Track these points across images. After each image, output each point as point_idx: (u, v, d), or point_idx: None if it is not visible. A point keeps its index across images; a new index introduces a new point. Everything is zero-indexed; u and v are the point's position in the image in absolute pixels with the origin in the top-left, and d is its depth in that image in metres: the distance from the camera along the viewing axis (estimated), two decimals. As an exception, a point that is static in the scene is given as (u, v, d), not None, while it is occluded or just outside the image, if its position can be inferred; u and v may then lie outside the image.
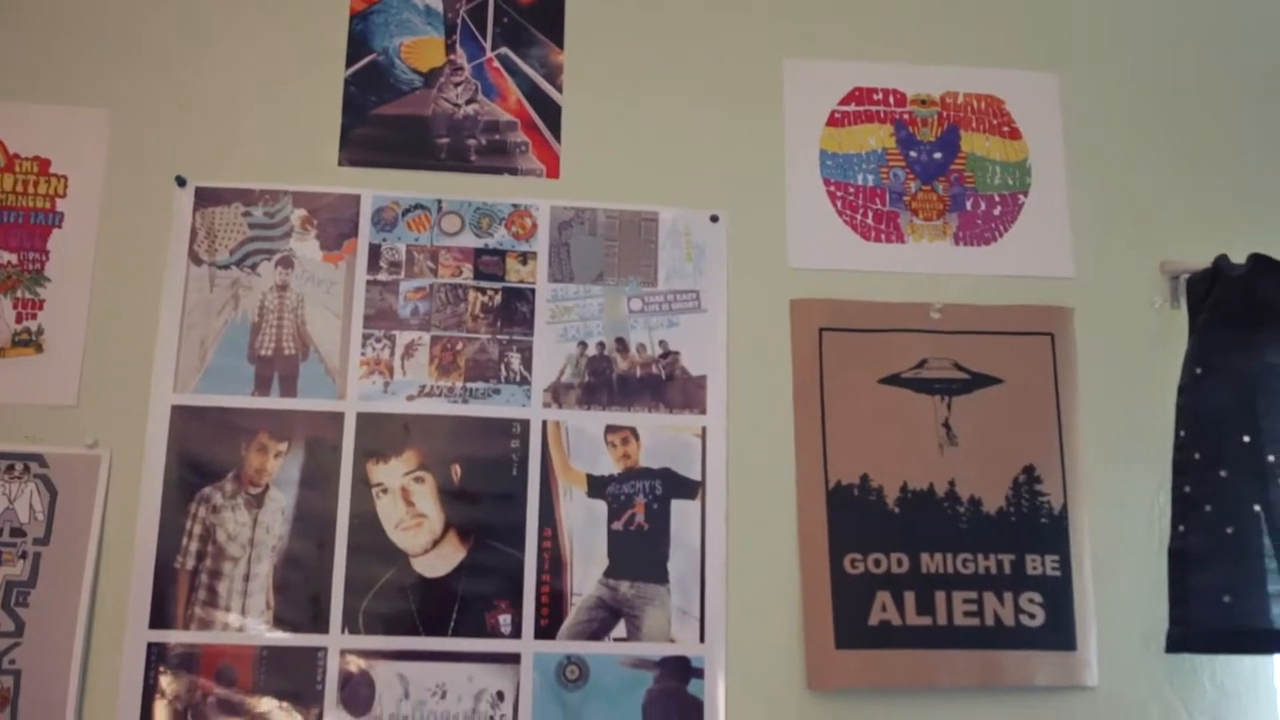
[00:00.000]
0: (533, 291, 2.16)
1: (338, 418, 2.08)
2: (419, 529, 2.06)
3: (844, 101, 2.31)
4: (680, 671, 2.05)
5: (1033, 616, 2.10)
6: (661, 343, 2.16)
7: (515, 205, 2.20)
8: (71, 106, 2.18)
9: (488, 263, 2.17)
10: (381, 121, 2.22)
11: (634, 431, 2.12)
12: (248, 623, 2.00)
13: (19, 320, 2.08)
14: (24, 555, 1.99)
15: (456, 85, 2.24)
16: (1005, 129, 2.33)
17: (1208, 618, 2.06)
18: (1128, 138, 2.35)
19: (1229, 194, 2.35)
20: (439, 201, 2.19)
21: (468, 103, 2.24)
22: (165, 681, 1.97)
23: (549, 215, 2.20)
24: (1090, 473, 2.18)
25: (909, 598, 2.09)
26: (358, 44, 2.24)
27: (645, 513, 2.10)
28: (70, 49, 2.20)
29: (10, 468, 2.02)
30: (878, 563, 2.10)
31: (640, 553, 2.08)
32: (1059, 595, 2.12)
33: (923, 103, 2.33)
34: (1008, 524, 2.14)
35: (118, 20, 2.22)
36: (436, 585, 2.04)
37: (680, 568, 2.08)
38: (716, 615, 2.07)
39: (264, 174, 2.17)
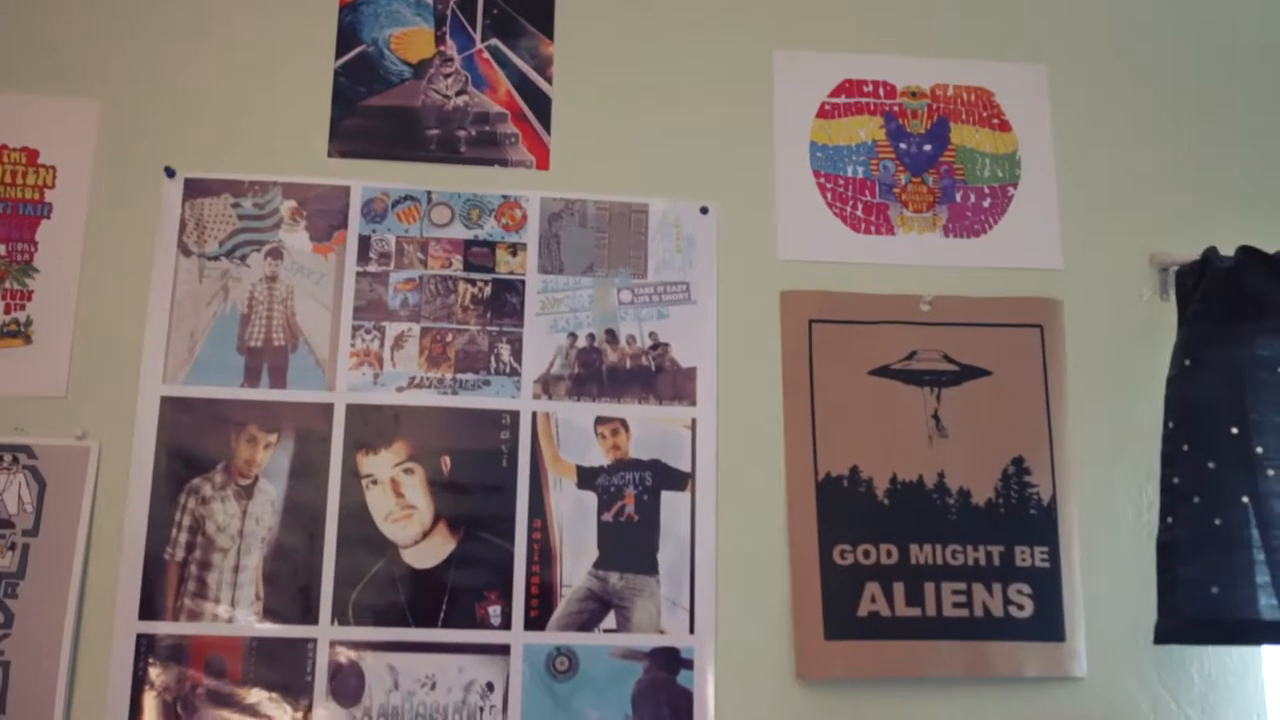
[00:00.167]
0: (523, 283, 2.16)
1: (327, 409, 2.08)
2: (409, 520, 2.06)
3: (834, 93, 2.31)
4: (670, 662, 2.05)
5: (1021, 608, 2.11)
6: (651, 334, 2.16)
7: (505, 197, 2.20)
8: (60, 97, 2.17)
9: (478, 254, 2.17)
10: (371, 113, 2.22)
11: (624, 423, 2.13)
12: (237, 614, 2.00)
13: (7, 311, 2.08)
14: (13, 546, 1.98)
15: (446, 77, 2.24)
16: (995, 121, 2.33)
17: (1196, 609, 2.07)
18: (1117, 130, 2.36)
19: (1218, 186, 2.35)
20: (429, 193, 2.18)
21: (458, 94, 2.24)
22: (154, 672, 1.97)
23: (539, 207, 2.20)
24: (1079, 464, 2.19)
25: (898, 589, 2.09)
26: (347, 35, 2.24)
27: (635, 504, 2.10)
28: (59, 39, 2.19)
29: (-1, 459, 2.02)
30: (867, 554, 2.10)
31: (630, 544, 2.08)
32: (1047, 586, 2.12)
33: (913, 95, 2.33)
34: (997, 515, 2.14)
35: (107, 11, 2.21)
36: (426, 576, 2.04)
37: (670, 559, 2.08)
38: (706, 606, 2.07)
39: (253, 165, 2.17)
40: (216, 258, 2.13)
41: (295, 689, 1.98)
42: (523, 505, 2.07)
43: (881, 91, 2.33)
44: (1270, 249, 2.21)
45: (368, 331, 2.12)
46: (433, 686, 2.00)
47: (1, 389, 2.05)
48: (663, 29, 2.31)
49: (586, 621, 2.05)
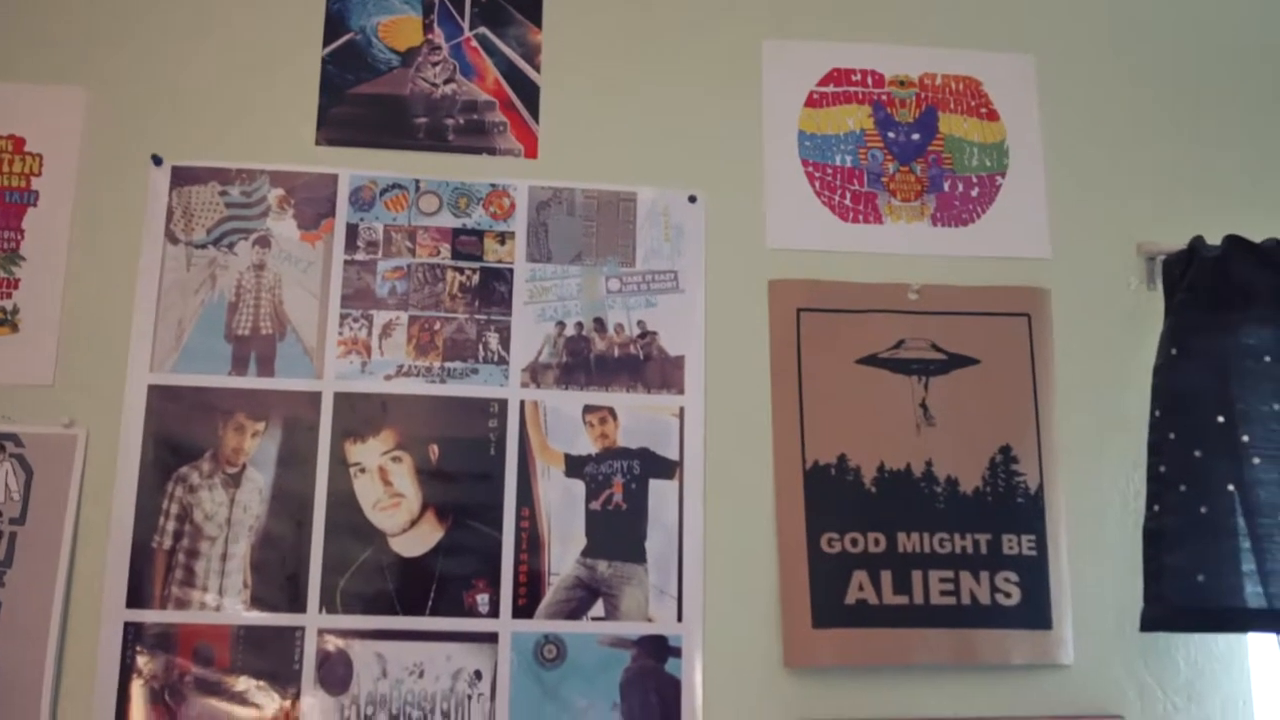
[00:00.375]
0: (511, 271, 2.16)
1: (315, 397, 2.08)
2: (397, 508, 2.06)
3: (822, 82, 2.31)
4: (658, 650, 2.05)
5: (1009, 595, 2.11)
6: (639, 323, 2.16)
7: (493, 185, 2.19)
8: (47, 85, 2.17)
9: (466, 242, 2.17)
10: (359, 101, 2.21)
11: (612, 411, 2.13)
12: (225, 602, 2.00)
13: (-6, 299, 2.08)
14: (0, 535, 1.98)
15: (434, 65, 2.24)
16: (983, 110, 2.33)
17: (1182, 596, 2.07)
18: (1105, 119, 2.36)
19: (1205, 176, 2.36)
20: (417, 181, 2.18)
21: (445, 82, 2.23)
22: (142, 661, 1.97)
23: (527, 195, 2.19)
24: (1066, 453, 2.20)
25: (886, 577, 2.10)
26: (335, 23, 2.24)
27: (623, 492, 2.10)
28: (45, 27, 2.19)
29: (-15, 447, 2.02)
30: (855, 542, 2.11)
31: (618, 532, 2.09)
32: (1035, 574, 2.13)
33: (901, 84, 2.33)
34: (984, 504, 2.15)
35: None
36: (414, 565, 2.04)
37: (658, 547, 2.09)
38: (694, 594, 2.08)
39: (241, 153, 2.17)
40: (204, 246, 2.12)
41: (283, 677, 1.98)
42: (511, 493, 2.07)
43: (870, 81, 2.33)
44: (1257, 238, 2.22)
45: (355, 320, 2.12)
46: (420, 675, 2.00)
47: (-12, 377, 2.05)
48: (651, 18, 2.30)
49: (574, 610, 2.05)
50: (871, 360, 2.19)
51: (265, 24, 2.23)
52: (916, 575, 2.10)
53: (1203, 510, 2.10)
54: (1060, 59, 2.38)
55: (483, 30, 2.26)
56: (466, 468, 2.08)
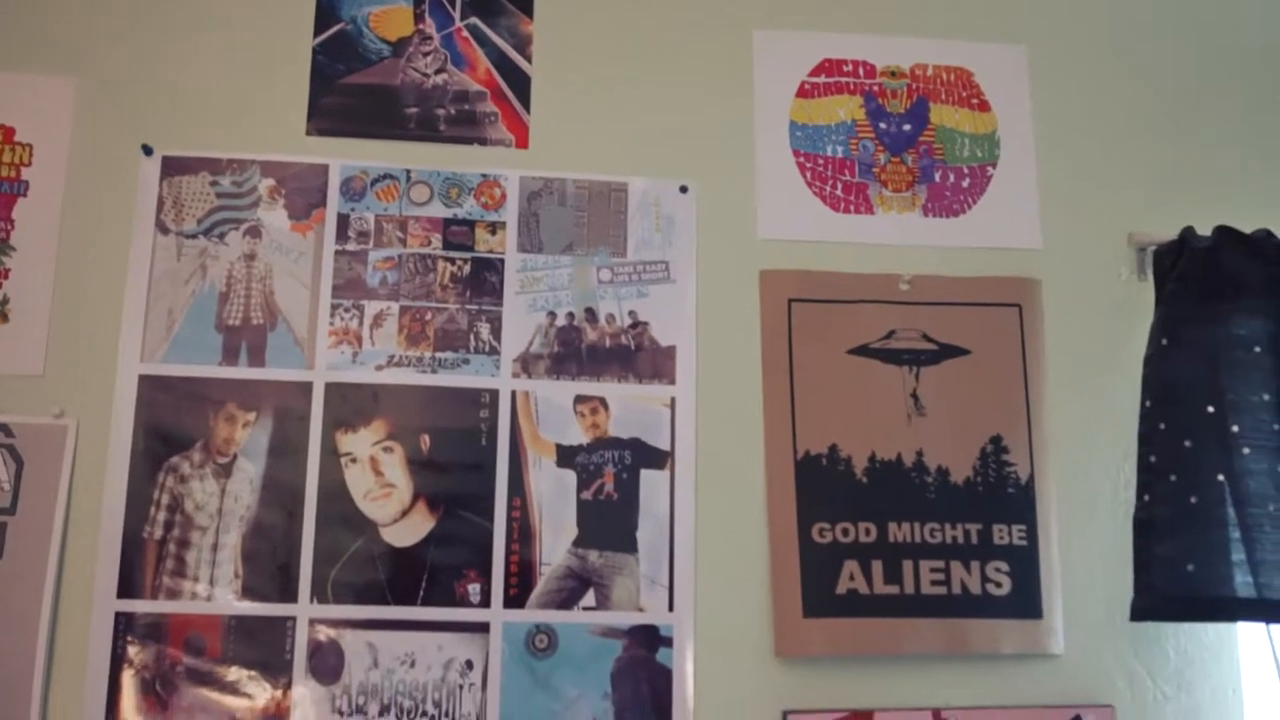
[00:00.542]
0: (502, 262, 2.16)
1: (306, 387, 2.08)
2: (388, 499, 2.06)
3: (814, 73, 2.31)
4: (649, 640, 2.05)
5: (999, 585, 2.12)
6: (631, 313, 2.16)
7: (484, 175, 2.19)
8: (37, 75, 2.16)
9: (457, 233, 2.17)
10: (350, 91, 2.21)
11: (603, 401, 2.13)
12: (216, 592, 2.00)
13: (-16, 289, 2.07)
14: (-10, 525, 1.98)
15: (425, 55, 2.24)
16: (974, 101, 2.33)
17: (1172, 586, 2.08)
18: (1096, 110, 2.36)
19: (1196, 166, 2.36)
20: (408, 171, 2.18)
21: (437, 72, 2.23)
22: (133, 651, 1.97)
23: (518, 185, 2.19)
24: (1057, 443, 2.20)
25: (876, 567, 2.10)
26: (325, 13, 2.23)
27: (614, 482, 2.10)
28: (36, 16, 2.18)
29: (-24, 437, 2.02)
30: (846, 532, 2.11)
31: (609, 522, 2.09)
32: (1025, 564, 2.13)
33: (892, 74, 2.33)
34: (975, 494, 2.15)
35: (84, -12, 2.21)
36: (405, 555, 2.04)
37: (649, 537, 2.09)
38: (685, 584, 2.08)
39: (231, 143, 2.16)
40: (194, 236, 2.12)
41: (274, 667, 1.98)
42: (502, 483, 2.07)
43: (861, 71, 2.33)
44: (1247, 229, 2.22)
45: (346, 310, 2.11)
46: (412, 664, 2.01)
47: (-22, 367, 2.05)
48: (643, 8, 2.30)
49: (566, 599, 2.05)
50: (863, 350, 2.19)
51: (256, 14, 2.22)
52: (907, 565, 2.11)
53: (1193, 500, 2.10)
54: (1051, 50, 2.38)
55: (474, 20, 2.26)
56: (458, 458, 2.08)
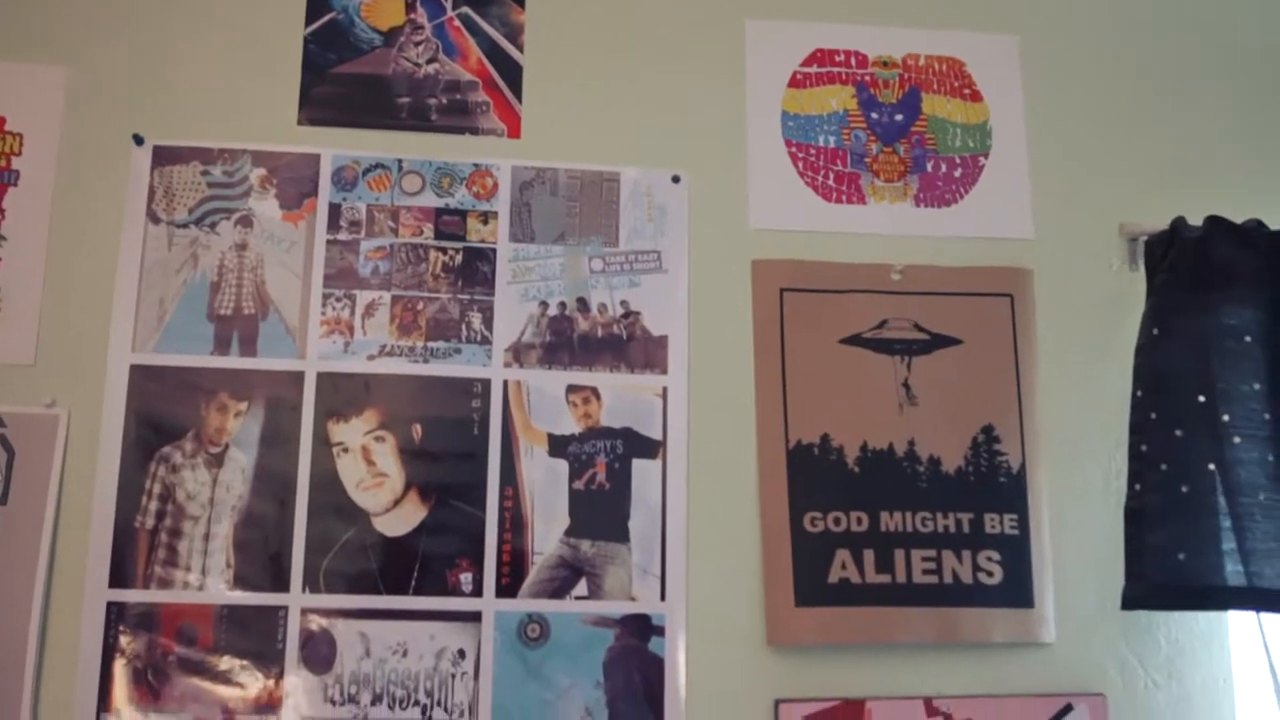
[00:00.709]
0: (494, 251, 2.16)
1: (298, 377, 2.08)
2: (380, 488, 2.06)
3: (806, 63, 2.31)
4: (641, 629, 2.06)
5: (991, 574, 2.12)
6: (623, 303, 2.17)
7: (476, 165, 2.19)
8: (28, 64, 2.15)
9: (448, 222, 2.16)
10: (341, 80, 2.21)
11: (595, 391, 2.13)
12: (208, 582, 2.00)
13: (-25, 279, 2.07)
14: (-19, 515, 1.98)
15: (417, 44, 2.23)
16: (966, 91, 2.33)
17: (1163, 575, 2.08)
18: (1087, 100, 2.37)
19: (1187, 156, 2.36)
20: (399, 161, 2.18)
21: (428, 62, 2.23)
22: (125, 640, 1.97)
23: (510, 175, 2.19)
24: (1048, 432, 2.20)
25: (868, 556, 2.10)
26: (317, 2, 2.23)
27: (606, 472, 2.10)
28: (27, 6, 2.17)
29: (-33, 427, 2.01)
30: (837, 521, 2.11)
31: (601, 512, 2.09)
32: (1017, 553, 2.14)
33: (884, 64, 2.33)
34: (966, 483, 2.16)
35: (74, -23, 2.20)
36: (397, 544, 2.04)
37: (641, 526, 2.09)
38: (677, 573, 2.08)
39: (222, 133, 2.16)
40: (186, 225, 2.12)
41: (266, 656, 1.98)
42: (494, 473, 2.07)
43: (853, 61, 2.33)
44: (1238, 219, 2.22)
45: (338, 299, 2.11)
46: (404, 654, 2.01)
47: (-31, 357, 2.05)
48: (635, -2, 2.31)
49: (558, 589, 2.06)
50: (854, 340, 2.19)
51: (248, 4, 2.22)
52: (899, 554, 2.11)
53: (1184, 489, 2.10)
54: (1043, 40, 2.38)
55: (465, 10, 2.25)
56: (450, 447, 2.08)
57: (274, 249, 2.12)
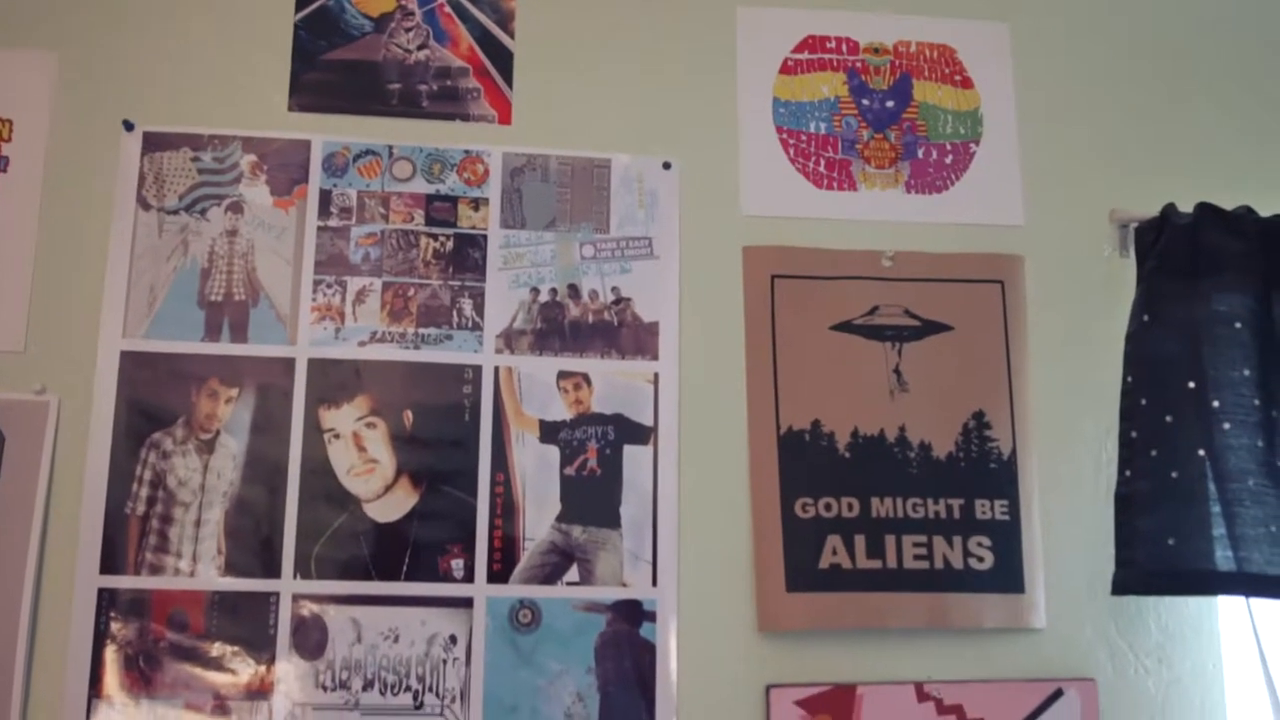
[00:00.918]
0: (485, 238, 2.16)
1: (289, 363, 2.08)
2: (371, 474, 2.06)
3: (797, 49, 2.31)
4: (632, 615, 2.06)
5: (981, 560, 2.13)
6: (614, 289, 2.17)
7: (467, 151, 2.19)
8: (17, 50, 2.15)
9: (440, 209, 2.16)
10: (332, 67, 2.20)
11: (586, 377, 2.13)
12: (199, 568, 2.00)
13: (-35, 266, 2.06)
14: (-28, 502, 1.98)
15: (407, 31, 2.23)
16: (957, 78, 2.34)
17: (1152, 560, 2.09)
18: (1078, 87, 2.37)
19: (1177, 143, 2.37)
20: (390, 147, 2.17)
21: (419, 48, 2.23)
22: (116, 627, 1.97)
23: (501, 162, 2.19)
24: (1039, 418, 2.21)
25: (859, 541, 2.11)
26: (307, -12, 2.23)
27: (598, 458, 2.11)
28: (15, -8, 2.17)
29: (-43, 413, 2.01)
30: (829, 507, 2.12)
31: (593, 498, 2.09)
32: (1007, 539, 2.14)
33: (875, 51, 2.33)
34: (957, 469, 2.16)
35: (64, -36, 2.19)
36: (389, 530, 2.04)
37: (632, 512, 2.09)
38: (669, 559, 2.08)
39: (213, 119, 2.15)
40: (176, 212, 2.11)
41: (258, 642, 1.98)
42: (485, 459, 2.08)
43: (844, 48, 2.33)
44: (1228, 205, 2.23)
45: (329, 286, 2.11)
46: (395, 639, 2.01)
47: (-41, 344, 2.04)
48: (626, -16, 2.30)
49: (549, 574, 2.06)
50: (845, 326, 2.20)
51: (237, -11, 2.22)
52: (890, 540, 2.11)
53: (1174, 475, 2.11)
54: (1034, 27, 2.38)
55: (456, -4, 2.26)
56: (441, 434, 2.08)
57: (265, 235, 2.12)
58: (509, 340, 2.12)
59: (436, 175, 2.17)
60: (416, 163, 2.17)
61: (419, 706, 1.99)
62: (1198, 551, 2.09)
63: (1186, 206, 2.23)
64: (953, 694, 2.09)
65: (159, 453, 2.03)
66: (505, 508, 2.07)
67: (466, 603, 2.03)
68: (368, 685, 1.99)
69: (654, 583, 2.07)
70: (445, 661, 2.01)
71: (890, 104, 2.31)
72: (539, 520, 2.07)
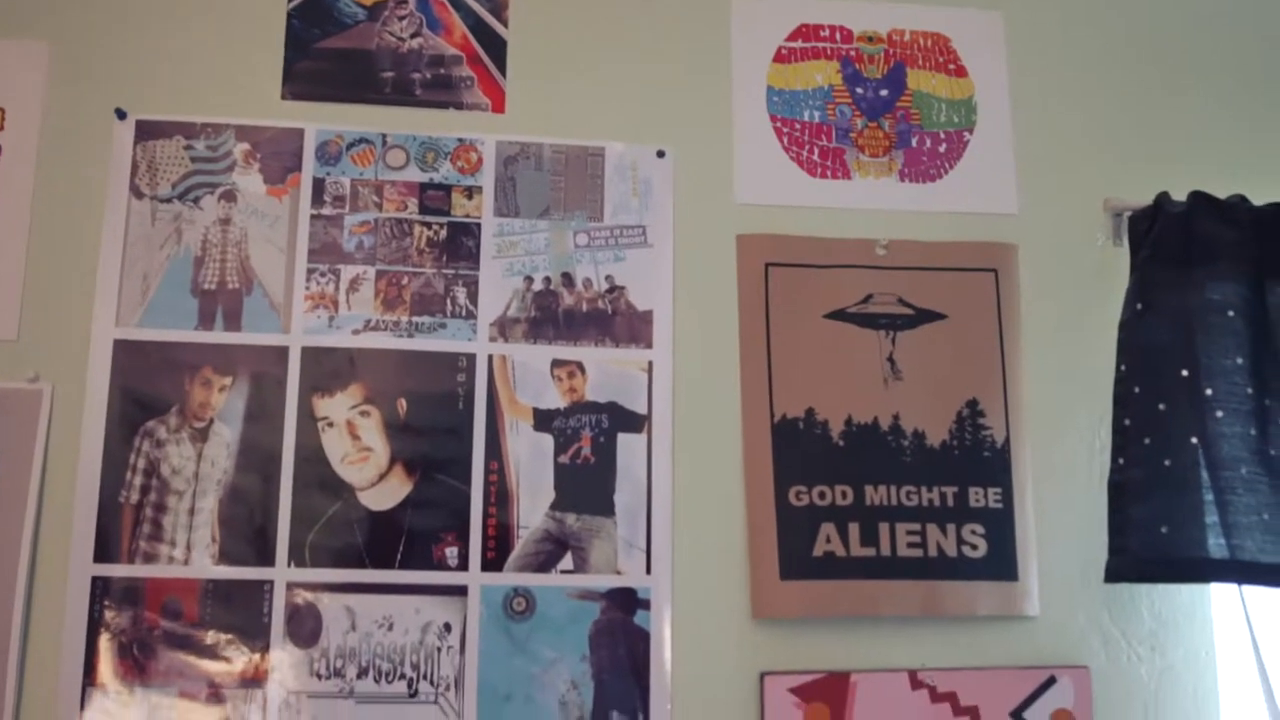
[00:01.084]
0: (478, 226, 2.16)
1: (282, 352, 2.07)
2: (365, 462, 2.06)
3: (791, 38, 2.31)
4: (627, 602, 2.06)
5: (975, 547, 2.13)
6: (608, 277, 2.17)
7: (460, 140, 2.19)
8: (9, 39, 2.14)
9: (433, 197, 2.16)
10: (325, 55, 2.20)
11: (580, 366, 2.13)
12: (193, 556, 2.00)
13: (-43, 254, 2.06)
14: (-35, 491, 1.97)
15: (401, 19, 2.23)
16: (951, 67, 2.34)
17: (1146, 548, 2.09)
18: (1072, 76, 2.37)
19: (1171, 132, 2.37)
20: (383, 136, 2.17)
21: (412, 37, 2.22)
22: (110, 615, 1.97)
23: (494, 150, 2.19)
24: (1032, 406, 2.21)
25: (853, 529, 2.11)
26: (301, -24, 2.22)
27: (592, 446, 2.11)
28: (7, -19, 2.17)
29: (-50, 402, 2.00)
30: (822, 495, 2.12)
31: (587, 486, 2.09)
32: (1001, 527, 2.14)
33: (869, 40, 2.33)
34: (951, 457, 2.16)
35: (56, -48, 2.19)
36: (383, 518, 2.04)
37: (627, 501, 2.09)
38: (663, 547, 2.08)
39: (206, 107, 2.15)
40: (169, 200, 2.11)
41: (252, 630, 1.98)
42: (479, 447, 2.08)
43: (838, 36, 2.33)
44: (1222, 194, 2.23)
45: (323, 274, 2.11)
46: (390, 627, 2.01)
47: (-48, 333, 2.04)
48: (620, -27, 2.30)
49: (544, 563, 2.06)
50: (839, 315, 2.20)
51: (230, -22, 2.21)
52: (884, 528, 2.12)
53: (1166, 463, 2.11)
54: (1028, 16, 2.38)
55: (449, -16, 2.25)
56: (435, 422, 2.08)
57: (258, 224, 2.12)
58: (503, 329, 2.12)
59: (430, 164, 2.17)
60: (410, 151, 2.17)
61: (413, 694, 1.99)
62: (1190, 539, 2.09)
63: (1180, 195, 2.23)
64: (946, 681, 2.09)
65: (153, 441, 2.02)
66: (499, 496, 2.07)
67: (461, 591, 2.03)
68: (362, 673, 1.99)
69: (648, 571, 2.07)
70: (439, 649, 2.01)
71: (884, 92, 2.31)
72: (533, 508, 2.07)
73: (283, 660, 1.98)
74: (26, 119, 2.11)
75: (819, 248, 2.22)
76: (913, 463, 2.15)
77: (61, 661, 1.95)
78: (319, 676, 1.98)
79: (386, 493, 2.05)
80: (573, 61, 2.25)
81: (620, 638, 2.05)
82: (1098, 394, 2.21)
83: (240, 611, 1.99)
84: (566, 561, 2.06)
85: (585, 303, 2.15)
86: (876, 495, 2.13)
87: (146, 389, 2.04)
